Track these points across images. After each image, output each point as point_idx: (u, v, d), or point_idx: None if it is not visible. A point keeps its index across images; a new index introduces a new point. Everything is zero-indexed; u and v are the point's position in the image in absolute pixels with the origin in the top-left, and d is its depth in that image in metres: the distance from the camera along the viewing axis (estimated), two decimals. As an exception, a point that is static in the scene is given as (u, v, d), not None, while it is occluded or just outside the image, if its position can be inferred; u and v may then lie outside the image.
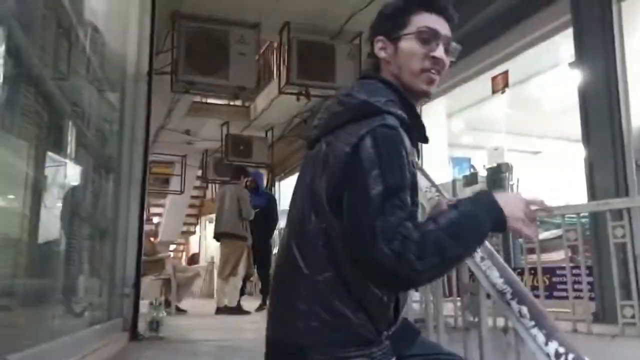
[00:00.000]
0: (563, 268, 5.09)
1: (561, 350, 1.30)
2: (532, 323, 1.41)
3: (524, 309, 1.45)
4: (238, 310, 5.99)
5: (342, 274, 1.21)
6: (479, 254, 1.70)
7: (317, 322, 1.24)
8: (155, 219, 15.16)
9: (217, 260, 7.27)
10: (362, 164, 1.16)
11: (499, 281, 1.58)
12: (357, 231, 1.14)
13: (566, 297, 4.27)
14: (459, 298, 4.17)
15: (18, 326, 2.02)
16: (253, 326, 4.93)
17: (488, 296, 1.77)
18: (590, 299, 4.09)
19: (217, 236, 6.38)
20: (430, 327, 2.15)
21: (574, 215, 4.31)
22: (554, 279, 5.08)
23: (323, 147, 1.27)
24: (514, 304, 1.49)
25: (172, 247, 14.78)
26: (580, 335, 3.58)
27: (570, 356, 1.27)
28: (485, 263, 1.65)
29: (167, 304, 6.27)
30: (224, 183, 7.02)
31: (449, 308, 3.35)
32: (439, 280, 2.18)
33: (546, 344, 1.34)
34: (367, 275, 1.19)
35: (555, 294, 4.85)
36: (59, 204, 2.48)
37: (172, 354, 3.01)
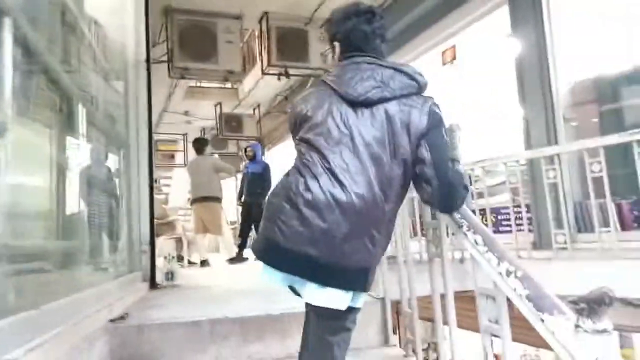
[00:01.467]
0: (506, 207, 5.20)
1: (511, 268, 1.30)
2: (486, 249, 1.41)
3: (479, 238, 1.45)
4: (240, 258, 5.94)
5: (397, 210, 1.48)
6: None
7: (381, 248, 1.45)
8: (165, 189, 15.01)
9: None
10: (439, 122, 1.44)
11: (457, 216, 1.57)
12: (443, 159, 1.41)
13: (509, 231, 4.38)
14: (422, 237, 4.24)
15: (55, 281, 1.98)
16: (253, 272, 4.95)
17: (447, 232, 1.78)
18: (529, 231, 4.19)
19: (198, 200, 6.06)
20: (400, 262, 2.16)
21: (514, 163, 4.38)
22: (499, 217, 5.18)
23: (392, 108, 1.42)
24: (470, 234, 1.48)
25: (181, 212, 14.68)
26: (523, 260, 3.66)
27: (519, 273, 1.28)
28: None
29: (180, 258, 6.27)
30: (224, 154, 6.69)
31: (415, 246, 3.40)
32: (406, 223, 2.17)
33: (498, 264, 1.34)
34: (437, 194, 1.41)
35: (501, 229, 4.97)
36: (82, 178, 2.42)
37: (187, 297, 3.00)
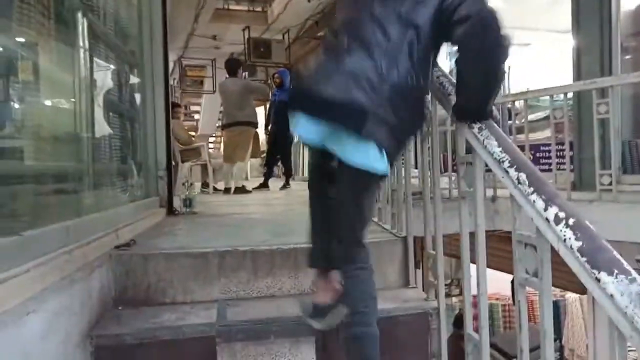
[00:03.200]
0: (546, 145, 4.81)
1: (561, 214, 1.05)
2: (531, 189, 1.15)
3: (522, 176, 1.19)
4: (243, 189, 5.69)
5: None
6: (476, 124, 1.42)
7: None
8: (196, 116, 14.96)
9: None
10: None
11: (497, 150, 1.31)
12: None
13: (548, 170, 4.05)
14: (453, 173, 3.97)
15: (72, 200, 1.90)
16: (278, 202, 4.83)
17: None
18: (570, 170, 3.86)
19: (232, 125, 5.71)
20: (427, 199, 1.93)
21: (560, 97, 3.96)
22: (538, 154, 4.82)
23: None
24: (512, 171, 1.23)
25: (212, 139, 14.69)
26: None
27: (572, 220, 1.03)
28: (484, 133, 1.38)
29: (206, 185, 6.22)
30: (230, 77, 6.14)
31: (443, 182, 3.16)
32: (436, 157, 1.91)
33: (545, 209, 1.09)
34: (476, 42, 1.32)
35: (539, 167, 4.63)
36: (96, 100, 2.24)
37: (202, 224, 2.90)
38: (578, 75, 4.28)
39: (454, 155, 3.89)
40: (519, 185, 1.19)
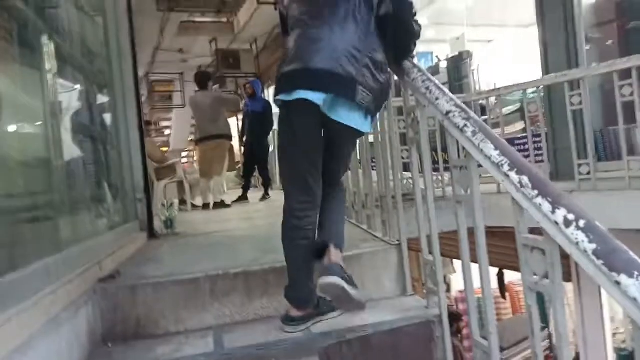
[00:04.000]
0: (520, 138, 4.88)
1: (571, 217, 1.03)
2: (535, 192, 1.13)
3: (525, 179, 1.17)
4: (222, 204, 5.57)
5: None
6: (469, 128, 1.40)
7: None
8: (167, 132, 14.70)
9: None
10: None
11: (494, 153, 1.28)
12: None
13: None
14: (437, 173, 3.97)
15: (49, 234, 1.77)
16: (260, 214, 4.74)
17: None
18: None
19: (206, 139, 5.60)
20: (419, 202, 1.90)
21: (532, 90, 4.02)
22: (514, 148, 4.87)
23: None
24: (513, 174, 1.20)
25: (184, 154, 14.45)
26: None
27: (582, 222, 1.01)
28: (478, 137, 1.35)
29: (183, 202, 6.06)
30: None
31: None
32: (427, 159, 1.87)
33: (553, 211, 1.06)
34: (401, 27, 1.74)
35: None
36: (65, 124, 2.13)
37: (186, 246, 2.81)
38: (546, 68, 4.36)
39: (443, 154, 3.90)
40: (522, 189, 1.16)
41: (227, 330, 1.79)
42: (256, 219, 4.28)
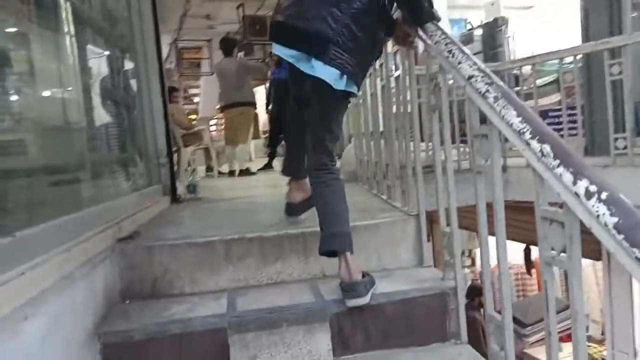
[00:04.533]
0: (555, 110, 4.67)
1: (592, 188, 0.96)
2: (557, 162, 1.06)
3: (546, 148, 1.10)
4: (247, 172, 5.57)
5: None
6: (491, 93, 1.32)
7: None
8: (195, 99, 14.79)
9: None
10: None
11: (516, 120, 1.20)
12: None
13: (560, 136, 3.92)
14: (461, 145, 3.87)
15: (70, 194, 1.84)
16: (282, 182, 4.73)
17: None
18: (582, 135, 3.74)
19: (230, 107, 5.60)
20: (439, 173, 1.84)
21: (570, 60, 3.81)
22: (546, 121, 4.68)
23: None
24: (534, 143, 1.13)
25: (213, 122, 14.56)
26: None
27: (604, 194, 0.94)
28: (500, 103, 1.27)
29: (210, 169, 6.13)
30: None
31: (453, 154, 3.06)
32: (447, 128, 1.79)
33: (574, 182, 1.00)
34: None
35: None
36: (87, 87, 2.15)
37: (207, 210, 2.83)
38: (586, 36, 4.11)
39: (461, 125, 3.78)
40: (543, 158, 1.09)
41: (240, 293, 1.81)
42: (279, 187, 4.28)
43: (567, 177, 1.02)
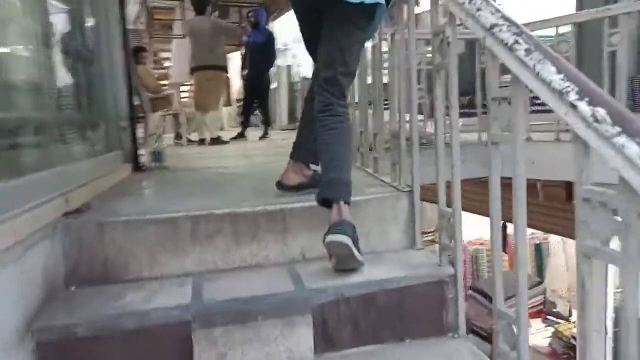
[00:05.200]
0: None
1: (671, 165, 0.73)
2: (617, 130, 0.82)
3: (601, 112, 0.86)
4: (219, 141, 5.28)
5: None
6: (522, 45, 1.07)
7: None
8: (167, 64, 14.10)
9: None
10: None
11: (557, 77, 0.96)
12: None
13: (545, 111, 3.74)
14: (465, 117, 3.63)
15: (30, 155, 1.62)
16: (258, 153, 4.45)
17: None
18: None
19: (201, 69, 5.21)
20: (440, 145, 1.60)
21: (566, 31, 3.60)
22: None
23: None
24: (583, 105, 0.89)
25: (185, 88, 13.96)
26: (565, 144, 3.11)
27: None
28: (534, 56, 1.02)
29: (179, 137, 5.77)
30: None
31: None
32: (455, 93, 1.54)
33: (644, 156, 0.77)
34: None
35: (534, 108, 4.33)
36: (32, 34, 1.80)
37: (173, 181, 2.54)
38: (581, 6, 3.91)
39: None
40: (596, 124, 0.86)
41: (208, 278, 1.55)
42: (253, 157, 4.00)
43: (635, 149, 0.78)
